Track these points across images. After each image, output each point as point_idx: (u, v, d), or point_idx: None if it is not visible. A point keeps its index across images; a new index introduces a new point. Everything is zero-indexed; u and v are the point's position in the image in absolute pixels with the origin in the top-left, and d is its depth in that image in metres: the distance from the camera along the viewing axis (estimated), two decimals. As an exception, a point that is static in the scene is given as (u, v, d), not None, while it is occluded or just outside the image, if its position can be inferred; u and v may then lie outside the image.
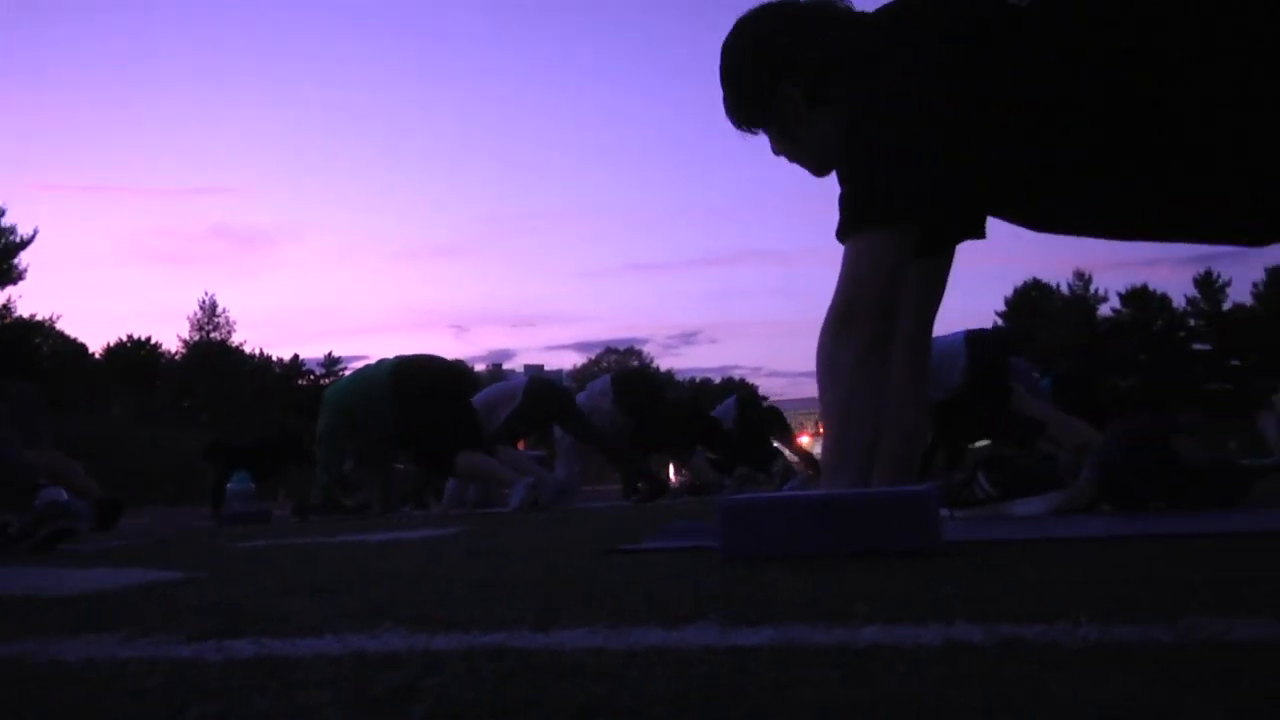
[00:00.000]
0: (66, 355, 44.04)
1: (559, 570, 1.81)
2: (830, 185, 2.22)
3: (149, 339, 54.27)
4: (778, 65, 2.27)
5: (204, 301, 55.15)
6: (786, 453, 10.06)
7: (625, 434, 7.89)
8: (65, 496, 3.45)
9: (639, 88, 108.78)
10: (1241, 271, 64.24)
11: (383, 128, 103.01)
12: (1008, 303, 54.56)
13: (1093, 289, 53.67)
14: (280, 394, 46.44)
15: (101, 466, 9.94)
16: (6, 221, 38.76)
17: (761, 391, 70.07)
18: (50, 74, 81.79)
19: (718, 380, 77.62)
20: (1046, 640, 0.90)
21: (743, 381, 76.35)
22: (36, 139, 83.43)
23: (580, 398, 8.17)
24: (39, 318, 41.44)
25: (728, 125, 2.41)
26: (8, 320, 38.03)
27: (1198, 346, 52.27)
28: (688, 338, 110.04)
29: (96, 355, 50.93)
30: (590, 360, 76.09)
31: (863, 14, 2.25)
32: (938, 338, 2.86)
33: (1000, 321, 54.12)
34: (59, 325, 44.84)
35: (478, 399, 7.71)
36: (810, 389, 2.23)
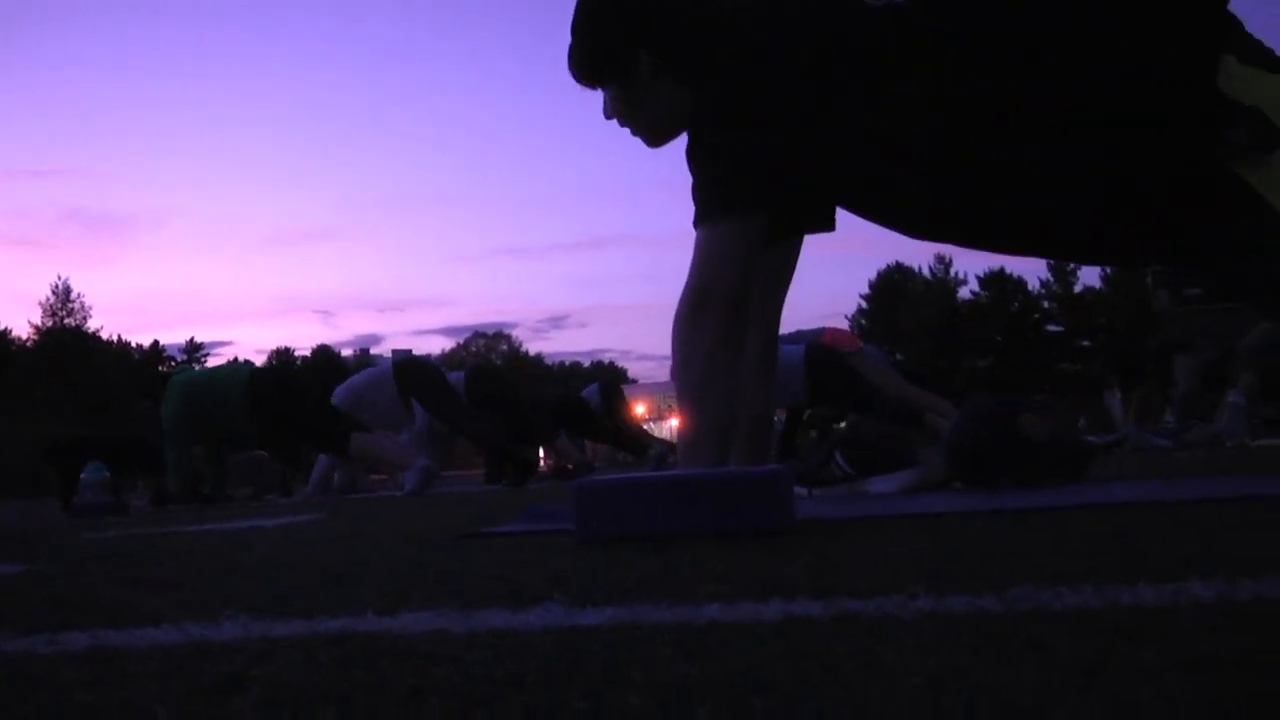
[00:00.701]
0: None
1: (413, 555, 1.80)
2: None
3: (-4, 325, 52.27)
4: (631, 27, 2.27)
5: (57, 286, 53.31)
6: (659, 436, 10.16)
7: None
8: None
9: (504, 71, 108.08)
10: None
11: (245, 110, 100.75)
12: (871, 286, 55.69)
13: (953, 272, 55.05)
14: (141, 380, 45.09)
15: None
16: None
17: (631, 374, 70.40)
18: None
19: (587, 364, 77.69)
20: (882, 613, 0.91)
21: (612, 365, 76.55)
22: None
23: None
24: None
25: (594, 109, 2.40)
26: None
27: (1051, 328, 54.02)
28: (557, 321, 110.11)
29: (-61, 343, 48.89)
30: (459, 345, 75.55)
31: None
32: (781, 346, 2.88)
33: (864, 305, 55.21)
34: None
35: (346, 387, 7.61)
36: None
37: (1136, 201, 1.92)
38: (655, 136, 2.36)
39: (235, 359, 64.57)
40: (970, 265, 58.80)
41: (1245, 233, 1.84)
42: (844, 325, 52.72)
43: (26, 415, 33.62)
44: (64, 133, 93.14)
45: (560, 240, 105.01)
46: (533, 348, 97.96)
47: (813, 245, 2.57)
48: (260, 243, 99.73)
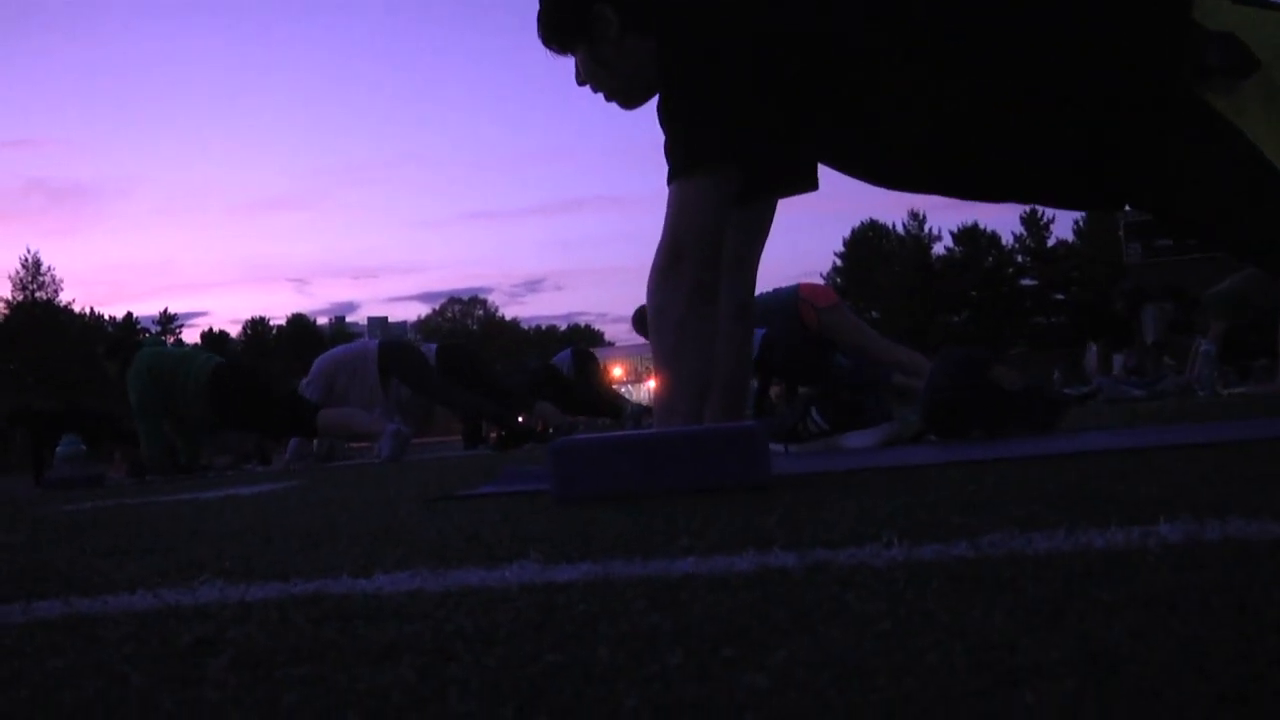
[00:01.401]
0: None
1: (388, 519, 1.80)
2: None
3: (-36, 299, 51.83)
4: None
5: (26, 259, 52.85)
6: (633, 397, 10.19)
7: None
8: None
9: (472, 33, 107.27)
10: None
11: (211, 77, 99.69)
12: (846, 243, 55.70)
13: (927, 228, 55.10)
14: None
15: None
16: None
17: (608, 337, 70.38)
18: None
19: (564, 327, 77.62)
20: (855, 562, 0.92)
21: (588, 328, 76.51)
22: None
23: None
24: None
25: (565, 72, 2.39)
26: None
27: (1025, 283, 54.22)
28: (532, 285, 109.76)
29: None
30: (435, 310, 75.35)
31: None
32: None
33: (839, 262, 55.24)
34: None
35: (328, 358, 7.60)
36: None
37: (1110, 137, 1.93)
38: (627, 98, 2.35)
39: (210, 330, 64.38)
40: (944, 221, 58.99)
41: (1214, 161, 1.85)
42: (818, 283, 52.95)
43: (-2, 391, 33.42)
44: (24, 102, 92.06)
45: (534, 204, 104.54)
46: (508, 312, 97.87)
47: (787, 203, 2.58)
48: (231, 211, 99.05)
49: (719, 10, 2.11)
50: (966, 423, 2.79)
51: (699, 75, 2.11)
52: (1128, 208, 2.11)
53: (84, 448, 7.13)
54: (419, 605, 0.88)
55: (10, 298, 52.00)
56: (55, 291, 53.12)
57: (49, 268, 53.37)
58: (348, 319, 73.07)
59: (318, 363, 7.56)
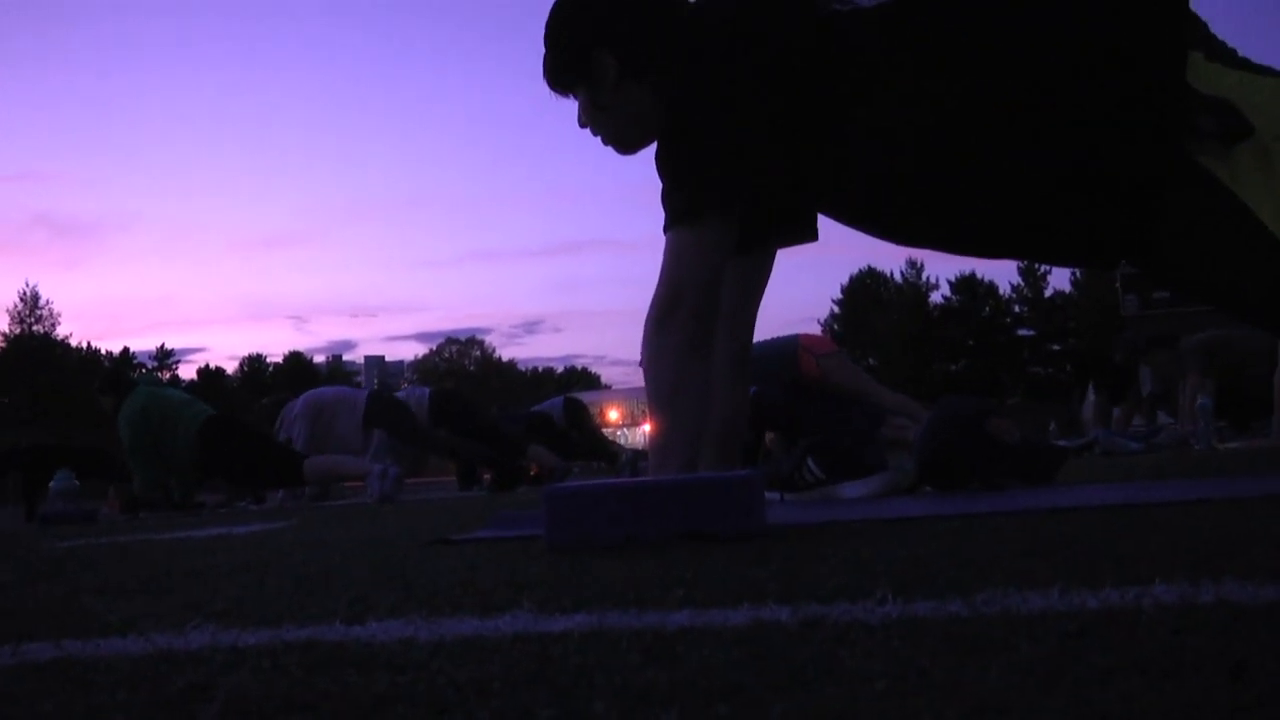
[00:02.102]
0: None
1: (381, 563, 1.79)
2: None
3: (-37, 333, 51.80)
4: (598, 28, 2.29)
5: (24, 293, 52.89)
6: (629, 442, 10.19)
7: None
8: None
9: (479, 75, 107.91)
10: (1063, 260, 66.66)
11: (215, 114, 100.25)
12: (844, 290, 55.86)
13: (924, 277, 55.25)
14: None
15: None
16: None
17: (605, 380, 70.36)
18: None
19: (560, 369, 77.59)
20: (849, 618, 0.92)
21: (585, 370, 76.48)
22: None
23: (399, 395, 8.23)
24: None
25: (569, 114, 2.41)
26: None
27: (1022, 332, 54.31)
28: (530, 327, 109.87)
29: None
30: (432, 351, 75.26)
31: (692, 5, 2.27)
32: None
33: (836, 309, 55.35)
34: None
35: (315, 396, 7.61)
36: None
37: (1105, 198, 1.94)
38: (623, 143, 2.37)
39: (206, 366, 64.28)
40: (942, 270, 59.09)
41: (1208, 223, 1.86)
42: (816, 329, 52.96)
43: (-8, 423, 33.34)
44: (29, 137, 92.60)
45: (534, 245, 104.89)
46: (506, 353, 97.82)
47: (786, 249, 2.58)
48: (231, 248, 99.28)
49: (718, 59, 2.13)
50: (962, 475, 2.79)
51: (698, 123, 2.12)
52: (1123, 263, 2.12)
53: (77, 483, 7.11)
54: (412, 655, 0.88)
55: (8, 330, 52.02)
56: (53, 325, 53.18)
57: (47, 301, 53.51)
58: (345, 357, 73.11)
59: (304, 398, 7.58)
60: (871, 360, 51.14)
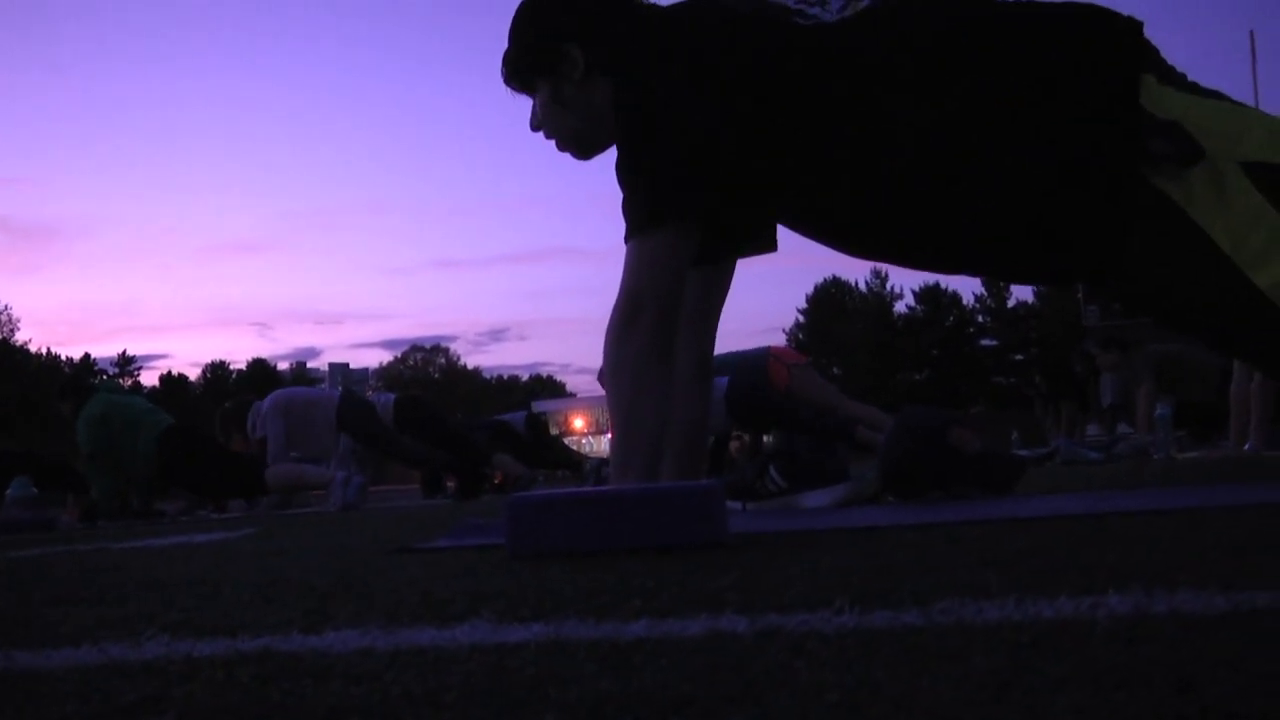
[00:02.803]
0: None
1: (342, 571, 1.78)
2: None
3: (-82, 338, 51.25)
4: (566, 22, 2.28)
5: (-19, 298, 52.37)
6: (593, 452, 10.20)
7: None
8: None
9: (444, 82, 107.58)
10: (1026, 270, 67.15)
11: (180, 118, 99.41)
12: (809, 299, 56.04)
13: (889, 286, 55.53)
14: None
15: None
16: None
17: (570, 388, 70.24)
18: None
19: (525, 377, 77.43)
20: (806, 628, 0.92)
21: (550, 378, 76.35)
22: None
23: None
24: None
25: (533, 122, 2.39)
26: None
27: (985, 343, 54.69)
28: (496, 335, 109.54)
29: None
30: (397, 358, 74.96)
31: (660, 10, 2.27)
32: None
33: (801, 318, 55.54)
34: None
35: (285, 396, 7.56)
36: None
37: (1060, 217, 1.96)
38: (579, 144, 2.36)
39: (169, 373, 63.77)
40: (906, 280, 59.35)
41: (1162, 244, 1.89)
42: (781, 338, 53.10)
43: (-48, 430, 32.93)
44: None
45: (500, 253, 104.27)
46: (471, 361, 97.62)
47: (750, 258, 2.58)
48: (195, 254, 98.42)
49: (680, 69, 2.13)
50: (923, 484, 2.81)
51: (658, 133, 2.13)
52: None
53: (35, 490, 7.03)
54: (368, 665, 0.88)
55: (-34, 337, 51.48)
56: (11, 331, 52.65)
57: (5, 306, 52.98)
58: (309, 364, 72.53)
59: (272, 397, 7.52)
60: (836, 369, 51.29)
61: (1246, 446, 6.03)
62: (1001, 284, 52.08)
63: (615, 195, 2.17)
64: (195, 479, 6.59)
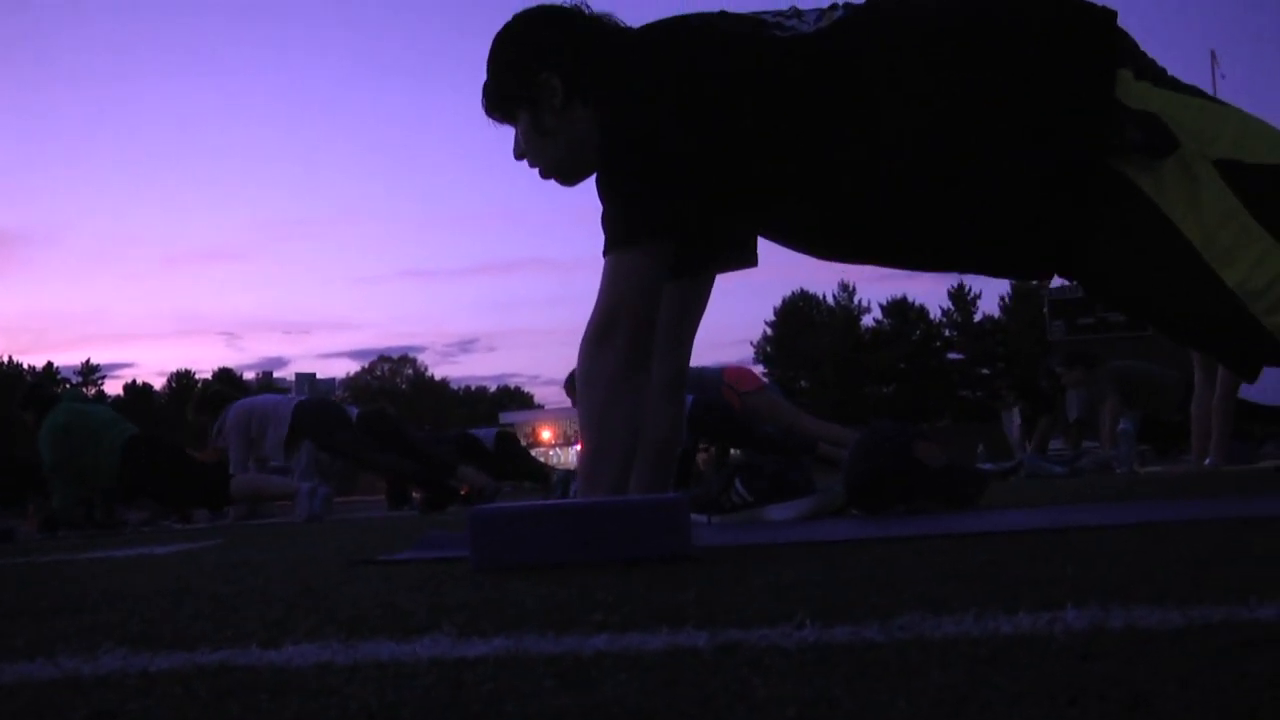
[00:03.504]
0: None
1: (304, 584, 1.77)
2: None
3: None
4: (544, 51, 2.27)
5: (-57, 305, 51.80)
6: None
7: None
8: None
9: (413, 93, 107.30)
10: (991, 285, 67.84)
11: (146, 125, 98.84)
12: (777, 312, 56.18)
13: (856, 300, 55.77)
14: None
15: None
16: None
17: (538, 399, 70.10)
18: None
19: (494, 389, 77.23)
20: (767, 643, 0.92)
21: (518, 390, 76.16)
22: None
23: None
24: None
25: (503, 134, 2.39)
26: None
27: (952, 356, 54.98)
28: (465, 346, 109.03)
29: None
30: (364, 368, 74.63)
31: (636, 32, 2.27)
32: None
33: (769, 331, 55.66)
34: None
35: (246, 405, 7.50)
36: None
37: (1032, 207, 1.98)
38: (564, 172, 2.35)
39: (134, 382, 63.22)
40: (874, 293, 59.77)
41: (1132, 235, 1.91)
42: (748, 351, 53.18)
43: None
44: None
45: (468, 263, 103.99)
46: (440, 371, 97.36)
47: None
48: (161, 262, 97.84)
49: (660, 85, 2.13)
50: (888, 498, 2.82)
51: (638, 149, 2.13)
52: (1054, 282, 2.18)
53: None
54: (326, 679, 0.87)
55: (-75, 343, 50.90)
56: (-28, 338, 52.18)
57: (-33, 314, 52.44)
58: (276, 374, 72.08)
59: (234, 409, 7.46)
60: (803, 382, 51.50)
61: (1207, 461, 6.09)
62: (968, 298, 52.48)
63: (585, 207, 2.19)
64: (159, 488, 6.52)
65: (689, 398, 6.38)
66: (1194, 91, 1.99)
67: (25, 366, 56.33)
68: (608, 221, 2.17)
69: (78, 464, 6.34)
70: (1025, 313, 47.44)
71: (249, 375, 69.39)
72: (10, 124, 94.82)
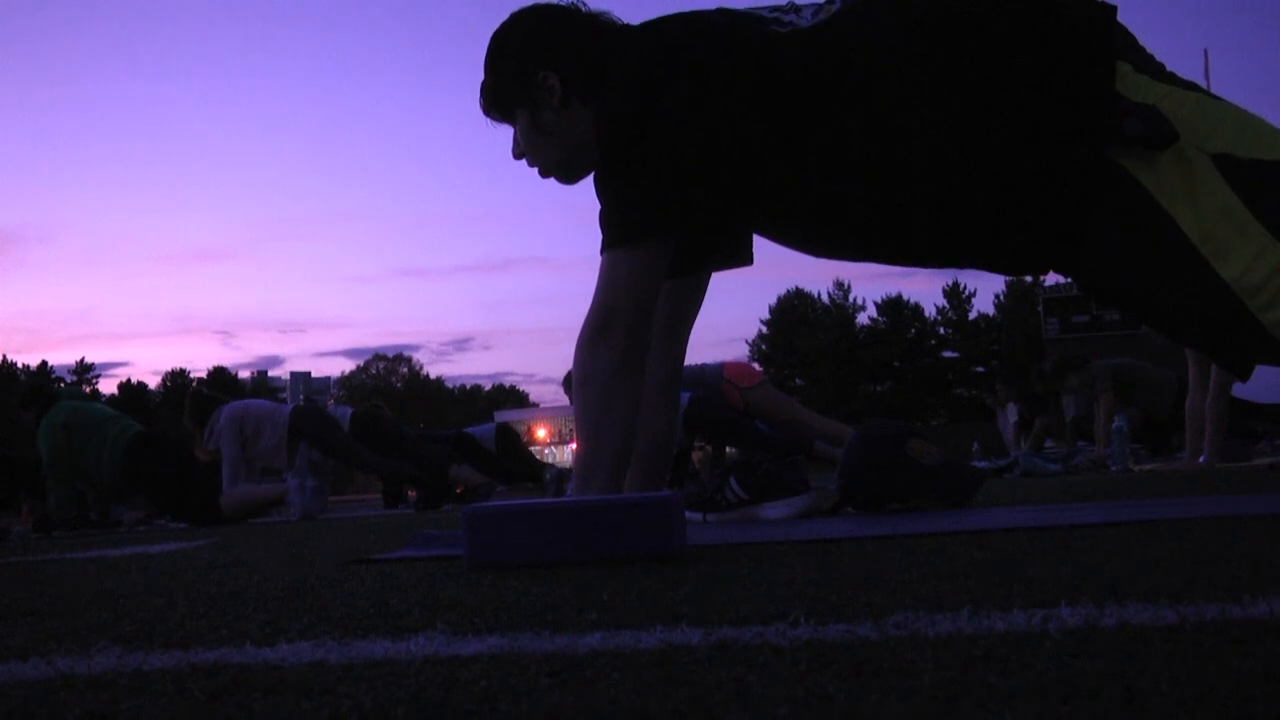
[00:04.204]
0: None
1: (298, 583, 1.77)
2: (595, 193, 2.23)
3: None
4: (542, 50, 2.27)
5: (-63, 304, 51.74)
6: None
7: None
8: None
9: (408, 92, 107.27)
10: (986, 283, 67.94)
11: (140, 124, 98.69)
12: (772, 311, 56.20)
13: (851, 298, 55.78)
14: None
15: None
16: None
17: (534, 398, 70.09)
18: None
19: (489, 387, 77.18)
20: (761, 641, 0.92)
21: (514, 388, 76.13)
22: None
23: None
24: None
25: (498, 132, 2.39)
26: None
27: (947, 354, 55.01)
28: (460, 344, 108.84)
29: None
30: (359, 367, 74.58)
31: (634, 29, 2.27)
32: None
33: (764, 329, 55.66)
34: None
35: (241, 407, 7.50)
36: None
37: (1032, 200, 1.99)
38: (563, 171, 2.35)
39: (128, 381, 63.15)
40: (869, 292, 59.77)
41: (1129, 230, 1.92)
42: (744, 349, 53.18)
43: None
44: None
45: (464, 262, 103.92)
46: (435, 370, 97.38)
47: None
48: (156, 261, 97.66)
49: (658, 82, 2.13)
50: (883, 496, 2.82)
51: (637, 148, 2.13)
52: (1049, 279, 2.19)
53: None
54: (320, 678, 0.87)
55: (-80, 343, 50.85)
56: (-33, 338, 52.13)
57: (-39, 313, 52.39)
58: (271, 373, 71.88)
59: (227, 411, 7.45)
60: (799, 380, 51.50)
61: (1201, 459, 6.09)
62: (963, 295, 52.51)
63: (581, 205, 2.20)
64: (158, 489, 6.48)
65: (685, 395, 6.41)
66: (1193, 87, 1.99)
67: (19, 365, 56.24)
68: (606, 220, 2.17)
69: (78, 461, 6.31)
70: (1019, 311, 47.53)
71: (244, 374, 69.42)
72: (4, 123, 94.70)
